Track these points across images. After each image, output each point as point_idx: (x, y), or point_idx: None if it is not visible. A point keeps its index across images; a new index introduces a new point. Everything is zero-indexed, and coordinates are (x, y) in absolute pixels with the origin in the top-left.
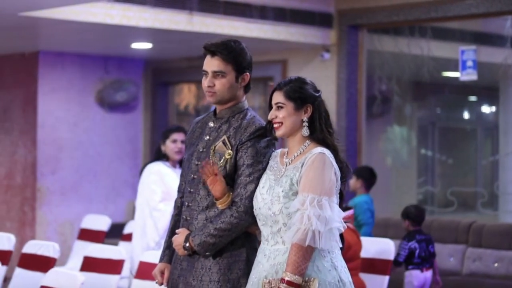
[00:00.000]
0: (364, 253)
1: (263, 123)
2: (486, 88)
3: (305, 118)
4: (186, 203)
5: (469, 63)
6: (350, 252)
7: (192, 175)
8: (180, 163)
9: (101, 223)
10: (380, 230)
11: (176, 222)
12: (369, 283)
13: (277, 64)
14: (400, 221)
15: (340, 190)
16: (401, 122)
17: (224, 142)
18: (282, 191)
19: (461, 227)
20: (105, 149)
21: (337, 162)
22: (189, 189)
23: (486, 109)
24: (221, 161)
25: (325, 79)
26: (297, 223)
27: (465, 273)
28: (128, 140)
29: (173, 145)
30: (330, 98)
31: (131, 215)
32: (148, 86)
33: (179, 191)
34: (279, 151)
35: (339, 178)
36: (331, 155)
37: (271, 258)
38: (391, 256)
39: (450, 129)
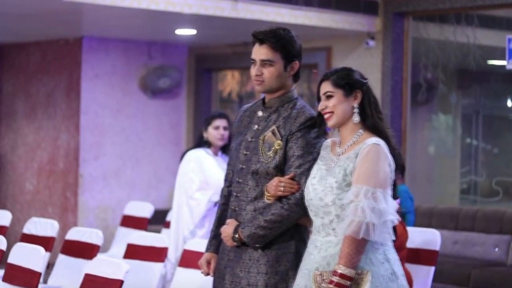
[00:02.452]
0: (410, 243)
1: (313, 113)
2: None
3: (355, 105)
4: (235, 193)
5: None
6: (396, 242)
7: (241, 165)
8: (223, 149)
9: (144, 210)
10: (424, 219)
11: (223, 212)
12: (415, 274)
13: (322, 51)
14: (444, 210)
15: (394, 180)
16: (446, 111)
17: (273, 132)
18: (336, 181)
19: (506, 217)
20: (148, 135)
21: (389, 149)
22: (237, 179)
23: None
24: (271, 151)
25: (370, 66)
26: (350, 215)
27: (511, 263)
28: (171, 127)
29: (215, 131)
30: (375, 86)
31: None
32: (191, 72)
33: (226, 180)
34: (329, 140)
35: (393, 169)
36: (386, 146)
37: (323, 249)
38: (437, 246)
39: (495, 117)
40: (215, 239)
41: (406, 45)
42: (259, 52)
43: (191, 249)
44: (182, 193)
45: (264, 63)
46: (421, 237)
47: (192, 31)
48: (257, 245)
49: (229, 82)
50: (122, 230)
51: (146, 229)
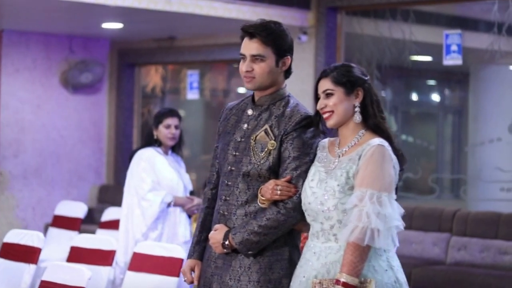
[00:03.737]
0: None
1: (308, 111)
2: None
3: (357, 103)
4: (223, 196)
5: (454, 48)
6: None
7: (230, 167)
8: (172, 148)
9: (77, 209)
10: None
11: (206, 216)
12: None
13: None
14: None
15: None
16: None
17: (266, 132)
18: (338, 185)
19: (444, 215)
20: (69, 132)
21: (393, 151)
22: (226, 181)
23: (460, 94)
24: (263, 152)
25: (302, 62)
26: (354, 221)
27: (450, 262)
28: (92, 123)
29: (166, 130)
30: (307, 82)
31: (94, 200)
32: (113, 67)
33: (209, 182)
34: (326, 140)
35: (397, 172)
36: (389, 147)
37: (322, 256)
38: None
39: (431, 114)
40: (199, 245)
41: (339, 40)
42: (250, 46)
43: (141, 252)
44: (133, 194)
45: (255, 58)
46: None
47: (118, 25)
48: (249, 252)
49: (153, 77)
50: (53, 231)
51: (79, 230)
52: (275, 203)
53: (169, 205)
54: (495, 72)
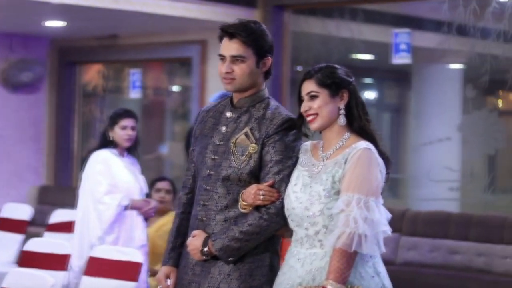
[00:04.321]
0: None
1: (290, 113)
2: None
3: (341, 106)
4: (202, 202)
5: (403, 46)
6: None
7: (208, 171)
8: (128, 150)
9: (23, 212)
10: None
11: (181, 221)
12: None
13: (196, 44)
14: None
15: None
16: None
17: (246, 135)
18: (324, 189)
19: (394, 215)
20: (8, 132)
21: (378, 154)
22: (204, 186)
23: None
24: (244, 156)
25: None
26: (341, 226)
27: (399, 262)
28: (32, 123)
29: (122, 132)
30: None
31: (34, 201)
32: (53, 66)
33: (184, 186)
34: (309, 143)
35: (384, 176)
36: (375, 150)
37: (307, 263)
38: None
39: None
40: (174, 251)
41: (286, 39)
42: (229, 47)
43: (97, 256)
44: (89, 197)
45: (235, 59)
46: None
47: (61, 23)
48: (230, 259)
49: (94, 76)
50: None
51: (25, 233)
52: (257, 208)
53: (125, 208)
54: (438, 70)
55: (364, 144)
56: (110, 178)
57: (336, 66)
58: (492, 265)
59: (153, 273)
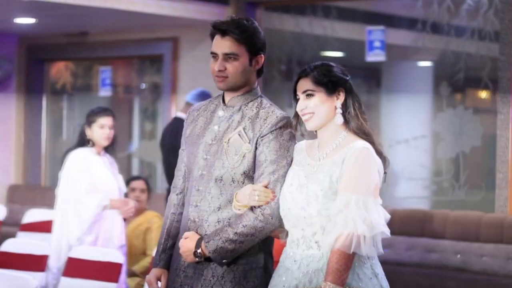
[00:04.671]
0: None
1: (283, 112)
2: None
3: (338, 104)
4: (194, 202)
5: (377, 44)
6: None
7: (201, 171)
8: (106, 149)
9: None
10: None
11: (172, 222)
12: None
13: (168, 41)
14: None
15: None
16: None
17: (240, 134)
18: (321, 190)
19: None
20: None
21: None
22: (197, 186)
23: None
24: (237, 155)
25: None
26: (339, 227)
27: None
28: (0, 121)
29: (100, 130)
30: None
31: (3, 200)
32: (22, 63)
33: (174, 187)
34: (303, 143)
35: (382, 176)
36: (373, 150)
37: (304, 265)
38: None
39: None
40: (165, 253)
41: None
42: (222, 44)
43: (77, 257)
44: (68, 196)
45: (228, 57)
46: None
47: (31, 20)
48: (224, 261)
49: (63, 73)
50: None
51: None
52: (251, 209)
53: (105, 208)
54: (411, 68)
55: (362, 143)
56: (89, 178)
57: (332, 64)
58: (469, 263)
59: (130, 274)
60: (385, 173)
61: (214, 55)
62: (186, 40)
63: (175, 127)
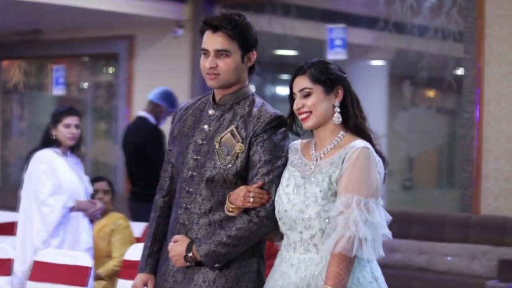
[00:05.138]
0: None
1: (277, 111)
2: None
3: (336, 103)
4: (184, 204)
5: (338, 42)
6: None
7: (190, 172)
8: (71, 149)
9: None
10: None
11: (158, 225)
12: None
13: (124, 40)
14: None
15: None
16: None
17: (232, 134)
18: (320, 191)
19: None
20: None
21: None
22: (186, 188)
23: None
24: (230, 156)
25: (178, 56)
26: (340, 230)
27: None
28: None
29: (66, 130)
30: (184, 77)
31: None
32: None
33: (161, 189)
34: (298, 142)
35: (382, 177)
36: (373, 149)
37: (301, 269)
38: None
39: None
40: (151, 258)
41: None
42: (213, 41)
43: (43, 261)
44: (32, 198)
45: (220, 53)
46: None
47: None
48: (216, 265)
49: (15, 72)
50: None
51: None
52: (245, 211)
53: (71, 209)
54: (371, 67)
55: (362, 143)
56: (54, 179)
57: (328, 61)
58: (433, 263)
59: (96, 277)
60: (384, 173)
61: (205, 52)
62: (142, 39)
63: (138, 126)
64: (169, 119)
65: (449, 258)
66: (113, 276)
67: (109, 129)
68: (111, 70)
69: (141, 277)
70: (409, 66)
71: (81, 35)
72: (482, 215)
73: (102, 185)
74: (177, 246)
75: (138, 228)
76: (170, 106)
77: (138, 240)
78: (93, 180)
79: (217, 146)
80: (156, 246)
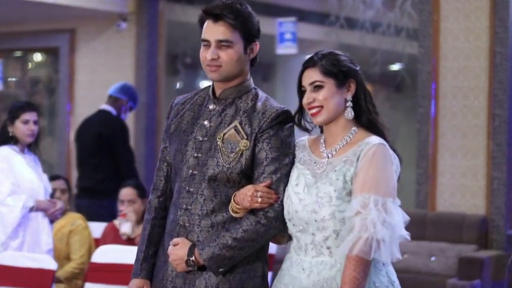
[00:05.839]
0: None
1: (282, 105)
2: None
3: (349, 97)
4: (184, 205)
5: (288, 36)
6: None
7: (191, 171)
8: (28, 146)
9: None
10: None
11: (153, 228)
12: None
13: (65, 33)
14: None
15: None
16: None
17: (236, 130)
18: (335, 190)
19: None
20: None
21: None
22: (187, 188)
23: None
24: (234, 153)
25: (121, 50)
26: (357, 231)
27: None
28: None
29: (24, 126)
30: (128, 72)
31: None
32: None
33: (155, 189)
34: (305, 139)
35: (398, 175)
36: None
37: (314, 273)
38: None
39: None
40: (146, 262)
41: (161, 28)
42: (215, 30)
43: (3, 264)
44: None
45: (221, 44)
46: None
47: None
48: (220, 270)
49: None
50: None
51: None
52: (252, 211)
53: (30, 210)
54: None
55: (377, 139)
56: (12, 178)
57: (340, 52)
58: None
59: (56, 280)
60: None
61: (206, 43)
62: (83, 32)
63: (102, 117)
64: (130, 114)
65: (405, 255)
66: (71, 279)
67: (52, 126)
68: (50, 64)
69: (135, 282)
70: (360, 61)
71: (20, 29)
72: (439, 212)
73: (59, 183)
74: (177, 250)
75: (97, 228)
76: (130, 99)
77: (97, 241)
78: (50, 179)
79: (219, 143)
80: (151, 249)
